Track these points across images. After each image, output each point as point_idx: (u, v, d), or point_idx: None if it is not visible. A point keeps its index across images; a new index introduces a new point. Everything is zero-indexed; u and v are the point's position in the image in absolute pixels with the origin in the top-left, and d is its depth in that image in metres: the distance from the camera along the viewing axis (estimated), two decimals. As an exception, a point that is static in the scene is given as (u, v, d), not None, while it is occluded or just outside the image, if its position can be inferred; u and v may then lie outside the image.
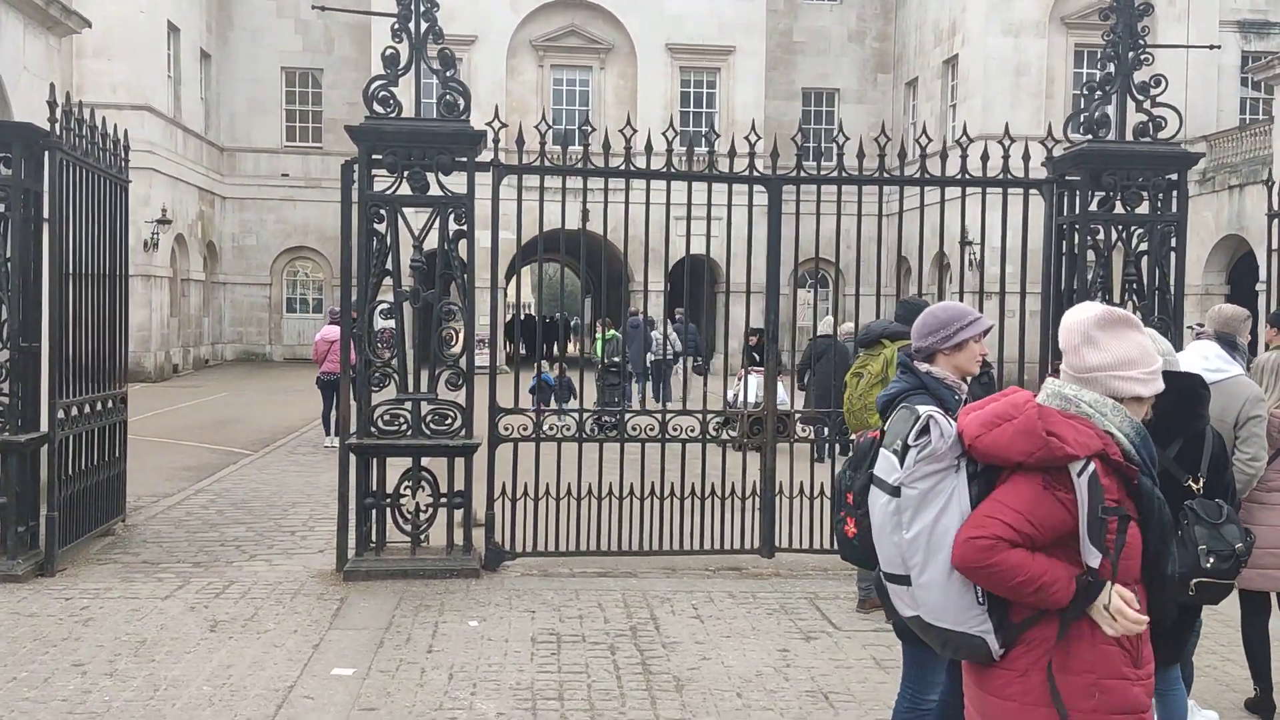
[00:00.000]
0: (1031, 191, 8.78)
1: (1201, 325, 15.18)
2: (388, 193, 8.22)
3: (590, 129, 8.96)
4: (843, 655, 6.57)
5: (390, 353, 8.36)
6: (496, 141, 8.41)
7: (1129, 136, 8.83)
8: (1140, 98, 8.70)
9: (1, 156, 8.07)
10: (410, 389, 8.33)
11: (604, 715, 5.58)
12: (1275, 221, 10.37)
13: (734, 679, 6.13)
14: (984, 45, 30.67)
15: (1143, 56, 8.70)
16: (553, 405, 14.37)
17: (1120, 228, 8.76)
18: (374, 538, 8.28)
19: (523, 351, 32.43)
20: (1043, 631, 2.83)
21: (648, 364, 11.99)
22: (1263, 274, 20.27)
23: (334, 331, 15.03)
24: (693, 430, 8.79)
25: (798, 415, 9.42)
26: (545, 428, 8.64)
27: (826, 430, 8.99)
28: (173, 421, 19.10)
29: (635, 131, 8.56)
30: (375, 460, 8.25)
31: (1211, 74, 29.42)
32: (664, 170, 8.79)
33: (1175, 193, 8.72)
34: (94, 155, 8.68)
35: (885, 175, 8.83)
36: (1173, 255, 8.72)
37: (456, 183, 8.27)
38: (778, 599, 7.80)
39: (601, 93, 34.16)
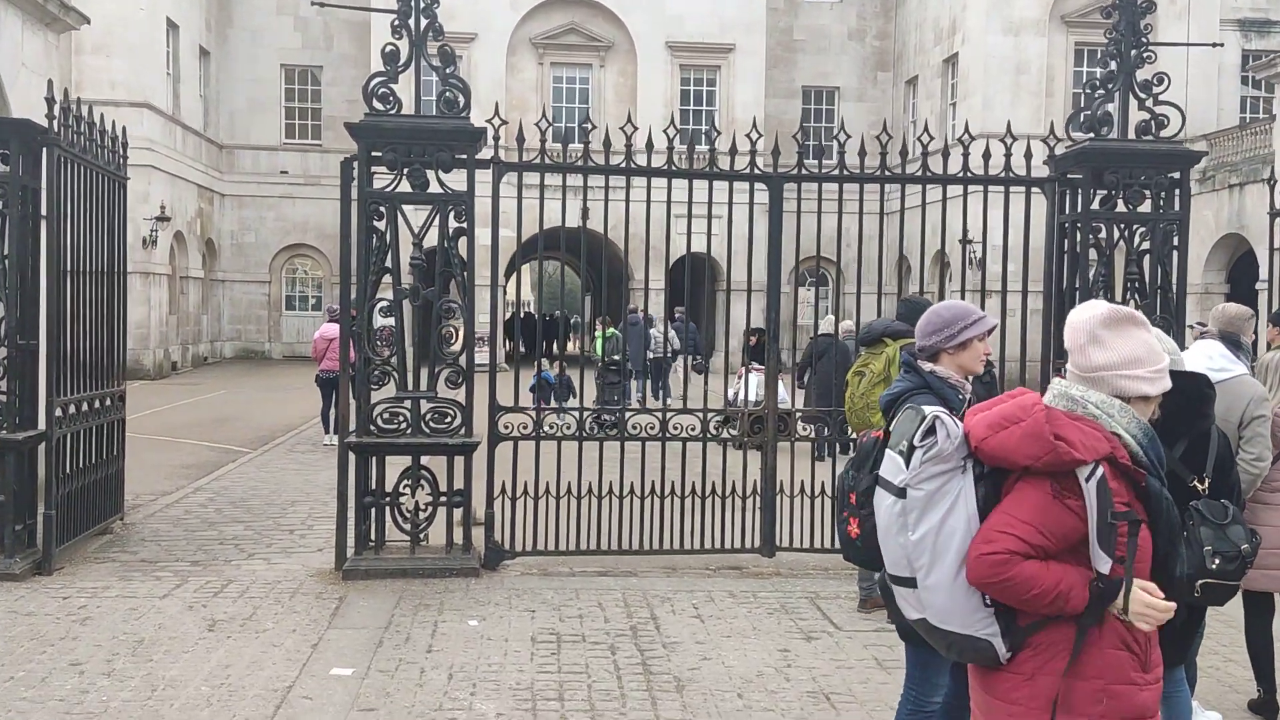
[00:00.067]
0: (1033, 190, 8.76)
1: (1203, 324, 15.18)
2: (387, 190, 8.19)
3: (591, 126, 8.93)
4: (844, 655, 6.55)
5: (390, 351, 8.33)
6: (496, 139, 8.38)
7: (1131, 135, 8.81)
8: (1142, 96, 8.68)
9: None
10: (410, 387, 8.30)
11: (604, 716, 5.55)
12: (1276, 220, 10.35)
13: (735, 679, 6.11)
14: (984, 44, 30.65)
15: (1145, 54, 8.67)
16: (552, 404, 14.33)
17: (1122, 226, 8.74)
18: (373, 536, 8.25)
19: (522, 349, 32.40)
20: (1049, 636, 2.80)
21: (647, 362, 11.94)
22: (1263, 273, 20.27)
23: (333, 329, 15.01)
24: (693, 429, 8.76)
25: (799, 414, 9.39)
26: (545, 426, 8.61)
27: (827, 429, 8.96)
28: (171, 419, 19.07)
29: (636, 129, 8.53)
30: (374, 459, 8.22)
31: (1212, 72, 29.41)
32: (665, 168, 8.76)
33: (1178, 191, 8.70)
34: (92, 152, 8.65)
35: (887, 173, 8.81)
36: (1175, 254, 8.71)
37: (456, 180, 8.24)
38: (778, 598, 7.77)
39: (601, 91, 34.14)
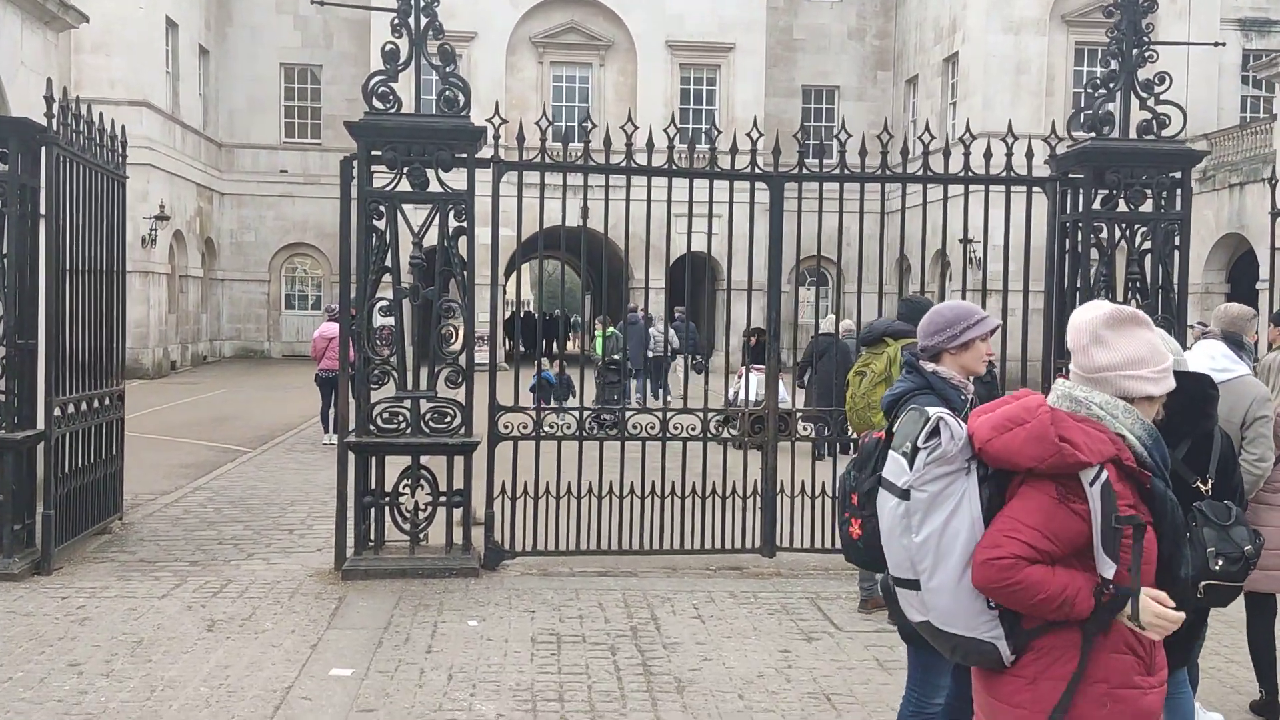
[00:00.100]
0: (1034, 189, 8.74)
1: (1204, 324, 15.17)
2: (387, 189, 8.17)
3: (591, 126, 8.91)
4: (845, 656, 6.53)
5: (389, 350, 8.31)
6: (496, 138, 8.36)
7: (1132, 134, 8.79)
8: (1144, 95, 8.66)
9: (-2, 152, 8.02)
10: (409, 387, 8.28)
11: (605, 717, 5.53)
12: (1277, 220, 10.34)
13: (735, 680, 6.09)
14: (984, 43, 30.64)
15: (1147, 54, 8.66)
16: (552, 403, 14.31)
17: (1124, 226, 8.72)
18: (373, 536, 8.23)
19: (522, 349, 32.40)
20: (1053, 639, 2.78)
21: (646, 361, 11.93)
22: (1263, 272, 20.26)
23: (332, 328, 14.99)
24: (693, 429, 8.74)
25: (799, 414, 9.37)
26: (545, 426, 8.59)
27: (828, 429, 8.95)
28: (170, 418, 19.05)
29: (636, 128, 8.51)
30: (374, 458, 8.20)
31: (1212, 72, 29.41)
32: (665, 167, 8.75)
33: (1179, 191, 8.69)
34: (91, 151, 8.63)
35: (889, 172, 8.80)
36: (1176, 254, 8.69)
37: (456, 179, 8.22)
38: (779, 599, 7.75)
39: (601, 90, 34.12)
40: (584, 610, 7.37)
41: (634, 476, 8.60)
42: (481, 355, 19.86)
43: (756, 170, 8.82)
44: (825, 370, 13.24)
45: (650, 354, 16.32)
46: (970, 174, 8.71)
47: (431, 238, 8.12)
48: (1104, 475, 2.71)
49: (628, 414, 8.79)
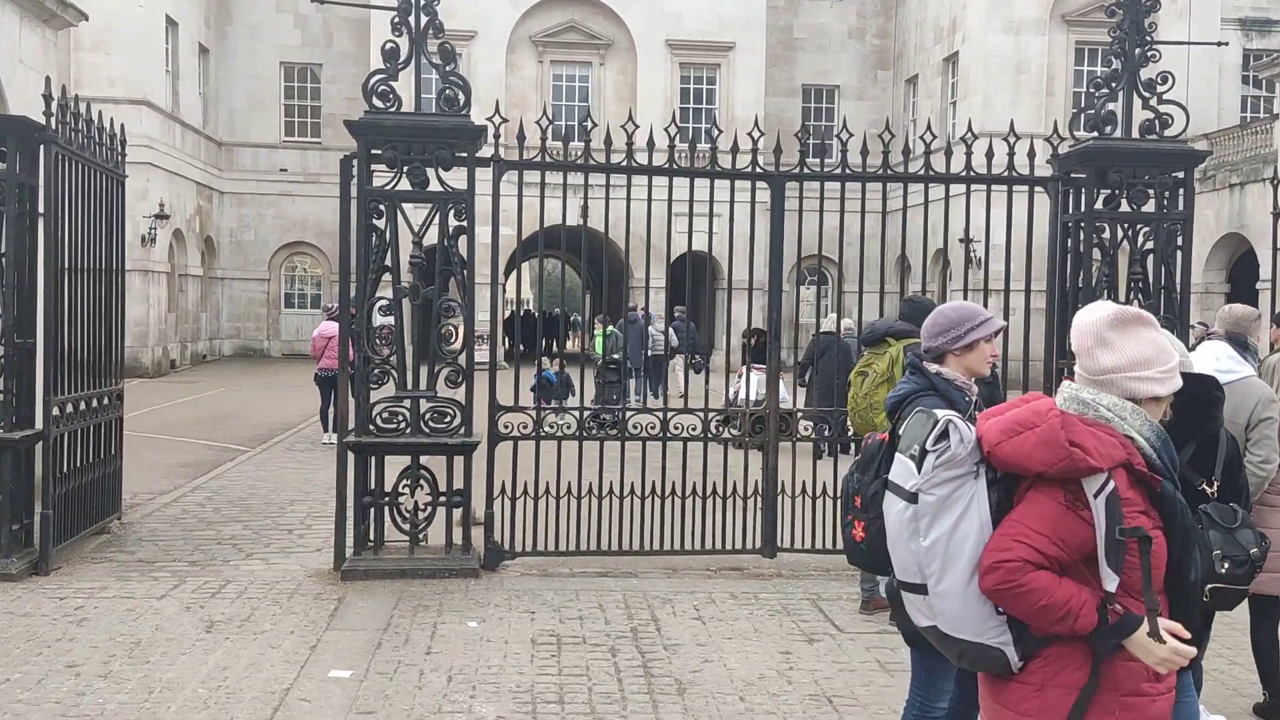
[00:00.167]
0: (1036, 189, 8.72)
1: (1204, 324, 15.15)
2: (387, 188, 8.14)
3: (591, 125, 8.88)
4: (846, 658, 6.50)
5: (389, 349, 8.28)
6: (497, 137, 8.34)
7: (1135, 134, 8.76)
8: (1146, 95, 8.63)
9: (-3, 150, 7.99)
10: (409, 386, 8.25)
11: (605, 719, 5.51)
12: (1278, 220, 10.31)
13: (736, 682, 6.06)
14: (984, 43, 30.61)
15: (1149, 53, 8.63)
16: (552, 403, 14.29)
17: (1126, 226, 8.70)
18: (372, 536, 8.20)
19: (522, 348, 32.41)
20: (1061, 647, 2.74)
21: (645, 361, 11.90)
22: (1264, 272, 20.24)
23: (332, 327, 14.96)
24: (694, 429, 8.71)
25: (800, 414, 9.35)
26: (545, 426, 8.57)
27: (829, 429, 8.92)
28: (169, 418, 19.02)
29: (636, 127, 8.48)
30: (374, 458, 8.17)
31: (1213, 72, 29.39)
32: (665, 166, 8.72)
33: (1181, 190, 8.66)
34: (90, 149, 8.60)
35: (890, 172, 8.77)
36: (1179, 254, 8.67)
37: (456, 178, 8.19)
38: (780, 600, 7.73)
39: (601, 89, 34.10)
40: (584, 611, 7.34)
41: (634, 477, 8.57)
42: (481, 354, 19.83)
43: (757, 170, 8.79)
44: (826, 370, 13.22)
45: (650, 353, 16.28)
46: (972, 174, 8.68)
47: (431, 237, 8.10)
48: (1110, 486, 2.67)
49: (628, 414, 8.77)
